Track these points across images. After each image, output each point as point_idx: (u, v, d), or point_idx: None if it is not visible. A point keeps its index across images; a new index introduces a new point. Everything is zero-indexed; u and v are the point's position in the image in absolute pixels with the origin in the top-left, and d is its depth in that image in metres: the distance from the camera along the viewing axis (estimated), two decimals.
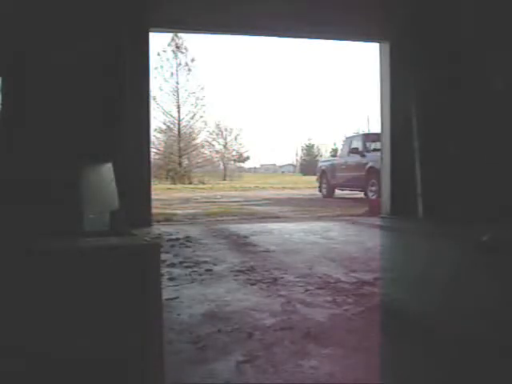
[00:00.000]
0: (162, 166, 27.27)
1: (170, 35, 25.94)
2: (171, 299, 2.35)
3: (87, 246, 1.28)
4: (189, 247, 4.04)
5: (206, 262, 3.33)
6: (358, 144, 11.74)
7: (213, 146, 32.74)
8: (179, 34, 25.56)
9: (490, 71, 6.19)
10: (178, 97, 28.37)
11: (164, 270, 2.95)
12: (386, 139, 6.61)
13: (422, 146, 6.23)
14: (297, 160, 52.87)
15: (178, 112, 28.64)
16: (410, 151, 6.30)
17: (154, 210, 6.12)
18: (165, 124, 28.56)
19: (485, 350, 1.73)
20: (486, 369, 1.58)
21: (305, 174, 39.09)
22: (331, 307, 2.23)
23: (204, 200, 11.99)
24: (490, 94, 6.18)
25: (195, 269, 3.12)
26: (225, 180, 30.24)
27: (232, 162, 34.72)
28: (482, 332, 1.92)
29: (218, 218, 6.84)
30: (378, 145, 9.56)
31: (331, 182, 12.94)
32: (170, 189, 18.81)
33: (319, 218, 6.73)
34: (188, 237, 4.60)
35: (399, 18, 6.23)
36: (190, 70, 28.18)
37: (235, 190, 18.03)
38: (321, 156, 42.72)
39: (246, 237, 4.72)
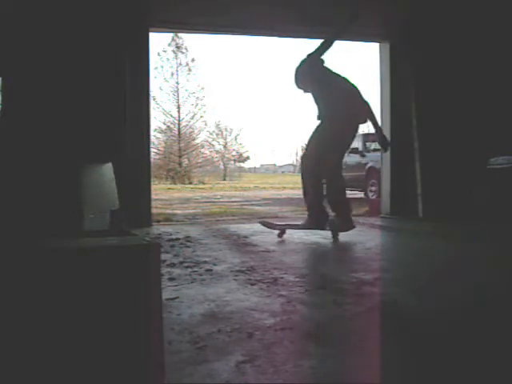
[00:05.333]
0: (162, 165, 27.32)
1: (170, 35, 26.02)
2: (171, 299, 2.35)
3: (87, 246, 1.28)
4: (189, 247, 4.04)
5: (206, 262, 3.33)
6: (357, 144, 11.74)
7: (213, 145, 32.83)
8: (179, 34, 25.63)
9: (491, 71, 6.19)
10: (177, 97, 28.45)
11: (164, 270, 2.95)
12: None
13: (422, 146, 6.24)
14: (297, 160, 52.92)
15: (178, 112, 28.70)
16: (409, 151, 6.31)
17: (153, 210, 6.12)
18: (165, 124, 28.63)
19: (485, 348, 1.73)
20: (486, 367, 1.58)
21: None
22: (331, 307, 2.23)
23: (204, 200, 12.00)
24: (491, 94, 6.18)
25: (195, 269, 3.12)
26: (225, 180, 30.30)
27: (232, 162, 34.76)
28: (481, 330, 1.92)
29: (218, 218, 6.84)
30: (377, 145, 9.56)
31: None
32: (170, 189, 18.83)
33: None
34: (188, 237, 4.60)
35: (399, 17, 6.23)
36: (190, 70, 28.28)
37: (235, 190, 18.04)
38: None
39: (245, 237, 4.72)
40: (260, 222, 5.19)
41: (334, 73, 4.73)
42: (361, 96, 4.63)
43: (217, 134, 33.41)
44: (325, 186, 4.67)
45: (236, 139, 33.81)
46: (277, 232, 4.71)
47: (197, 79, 41.67)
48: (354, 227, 4.52)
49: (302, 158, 4.77)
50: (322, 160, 4.59)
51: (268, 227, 4.95)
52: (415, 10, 6.18)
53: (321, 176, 4.63)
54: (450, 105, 6.16)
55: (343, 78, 4.72)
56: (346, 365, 1.59)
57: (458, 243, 4.42)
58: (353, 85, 4.67)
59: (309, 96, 4.74)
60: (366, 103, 4.61)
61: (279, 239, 4.53)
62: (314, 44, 4.86)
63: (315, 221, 4.64)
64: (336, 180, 4.65)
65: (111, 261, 1.23)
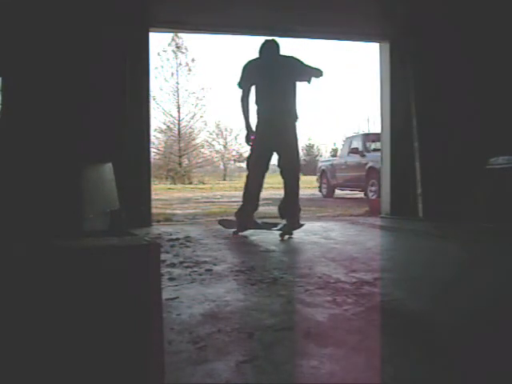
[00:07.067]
0: (162, 166, 27.27)
1: (170, 35, 25.98)
2: (171, 299, 2.35)
3: (86, 246, 1.28)
4: (189, 247, 4.04)
5: (205, 262, 3.33)
6: (358, 144, 11.75)
7: (213, 146, 32.75)
8: (179, 34, 25.58)
9: (491, 71, 6.19)
10: (177, 97, 28.39)
11: (164, 270, 2.95)
12: (386, 139, 6.61)
13: (422, 146, 6.23)
14: None
15: (178, 112, 28.64)
16: (410, 151, 6.31)
17: (154, 210, 6.12)
18: (165, 124, 28.56)
19: (485, 347, 1.73)
20: (486, 368, 1.58)
21: (305, 174, 39.11)
22: (331, 307, 2.23)
23: (204, 200, 11.99)
24: (491, 93, 6.18)
25: (195, 269, 3.12)
26: (225, 180, 30.25)
27: (232, 162, 34.70)
28: (481, 330, 1.92)
29: (218, 218, 6.83)
30: (377, 145, 9.57)
31: (331, 182, 12.96)
32: (170, 189, 18.81)
33: (319, 218, 6.73)
34: (188, 237, 4.60)
35: (399, 17, 6.23)
36: (190, 70, 28.21)
37: (235, 190, 18.01)
38: (321, 156, 42.76)
39: (245, 237, 4.72)
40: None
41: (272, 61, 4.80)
42: (300, 64, 4.74)
43: (217, 134, 33.37)
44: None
45: (236, 139, 33.73)
46: (275, 232, 4.73)
47: (197, 79, 41.59)
48: (301, 225, 4.74)
49: (257, 157, 4.75)
50: (286, 164, 4.71)
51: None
52: (415, 10, 6.18)
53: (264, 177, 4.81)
54: (450, 105, 6.16)
55: (280, 60, 4.79)
56: (346, 365, 1.59)
57: (458, 243, 4.42)
58: (290, 60, 4.77)
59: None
60: (305, 66, 4.75)
61: (279, 239, 4.52)
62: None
63: (245, 219, 4.82)
64: (297, 180, 4.80)
65: (111, 261, 1.23)
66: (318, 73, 4.79)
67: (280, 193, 4.95)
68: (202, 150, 30.80)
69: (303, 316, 2.11)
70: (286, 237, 4.56)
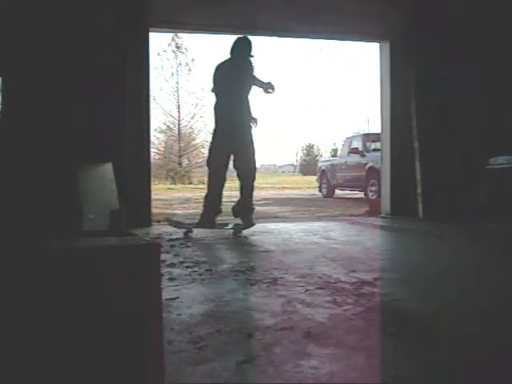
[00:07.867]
0: (162, 165, 27.25)
1: (170, 35, 25.97)
2: (171, 299, 2.35)
3: (86, 246, 1.27)
4: (189, 247, 4.04)
5: (205, 262, 3.33)
6: (358, 144, 11.75)
7: None
8: (179, 34, 25.58)
9: (491, 71, 6.19)
10: (178, 97, 28.37)
11: (164, 270, 2.95)
12: (386, 139, 6.61)
13: (422, 146, 6.23)
14: (297, 160, 52.97)
15: (178, 112, 28.63)
16: (409, 151, 6.30)
17: (154, 210, 6.12)
18: (165, 124, 28.54)
19: (485, 347, 1.73)
20: (487, 368, 1.58)
21: (305, 174, 39.14)
22: (331, 307, 2.23)
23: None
24: (491, 93, 6.18)
25: (195, 269, 3.12)
26: None
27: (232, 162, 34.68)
28: (481, 331, 1.92)
29: (218, 218, 6.82)
30: (377, 145, 9.57)
31: (331, 182, 12.96)
32: (170, 189, 18.80)
33: (319, 218, 6.73)
34: (188, 237, 4.60)
35: (399, 17, 6.23)
36: (190, 70, 28.20)
37: (235, 190, 18.00)
38: (321, 156, 42.78)
39: (245, 237, 4.72)
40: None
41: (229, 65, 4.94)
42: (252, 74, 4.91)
43: None
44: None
45: None
46: (275, 232, 4.78)
47: (197, 79, 41.59)
48: (253, 224, 4.90)
49: (214, 159, 4.96)
50: (242, 164, 4.89)
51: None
52: (415, 10, 6.18)
53: (226, 178, 5.06)
54: (450, 105, 6.16)
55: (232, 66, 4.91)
56: (346, 365, 1.59)
57: (458, 243, 4.42)
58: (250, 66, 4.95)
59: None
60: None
61: (279, 239, 4.52)
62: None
63: (208, 219, 5.01)
64: (253, 180, 5.02)
65: (111, 261, 1.23)
66: (264, 86, 4.98)
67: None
68: (202, 149, 30.78)
69: (303, 316, 2.11)
70: (238, 235, 4.70)
